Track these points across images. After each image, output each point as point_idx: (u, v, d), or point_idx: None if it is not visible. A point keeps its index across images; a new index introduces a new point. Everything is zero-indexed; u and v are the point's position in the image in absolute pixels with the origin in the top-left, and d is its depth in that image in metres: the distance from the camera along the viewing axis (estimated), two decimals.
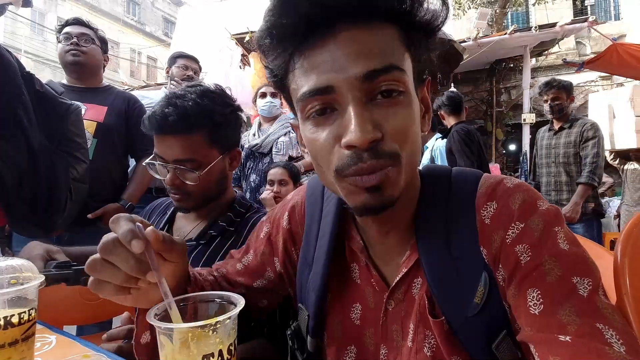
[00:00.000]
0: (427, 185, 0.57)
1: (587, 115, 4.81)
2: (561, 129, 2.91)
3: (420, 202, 0.56)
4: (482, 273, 0.49)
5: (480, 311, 0.49)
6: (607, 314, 0.42)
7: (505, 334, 0.48)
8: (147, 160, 0.96)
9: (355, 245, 0.61)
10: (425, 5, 0.47)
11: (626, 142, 4.41)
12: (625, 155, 4.53)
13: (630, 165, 4.36)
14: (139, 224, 0.47)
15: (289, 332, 0.67)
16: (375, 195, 0.47)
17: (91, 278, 0.46)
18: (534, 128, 4.89)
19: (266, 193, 2.25)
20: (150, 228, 0.47)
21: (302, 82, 0.47)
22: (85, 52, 1.83)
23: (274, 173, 2.30)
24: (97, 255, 0.46)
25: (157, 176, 0.97)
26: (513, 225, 0.49)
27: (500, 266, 0.49)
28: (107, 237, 0.46)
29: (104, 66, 1.97)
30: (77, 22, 1.87)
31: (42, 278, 0.60)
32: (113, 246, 0.45)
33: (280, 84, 0.52)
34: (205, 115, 0.92)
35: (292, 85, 0.50)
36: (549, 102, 2.88)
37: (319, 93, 0.46)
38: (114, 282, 0.46)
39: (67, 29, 1.83)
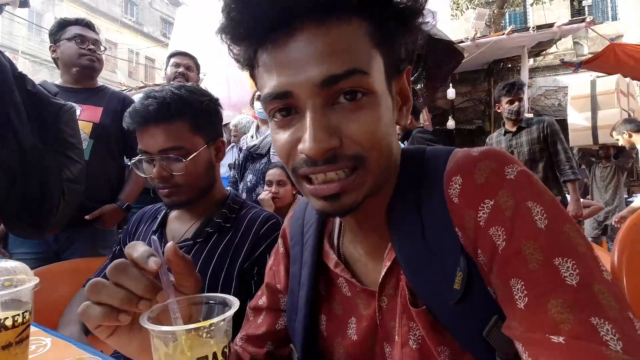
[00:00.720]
0: (403, 172, 0.54)
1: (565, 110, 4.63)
2: (520, 129, 3.01)
3: (394, 189, 0.54)
4: (460, 258, 0.46)
5: (463, 298, 0.45)
6: (602, 300, 0.38)
7: (497, 319, 0.45)
8: (132, 160, 0.95)
9: (330, 262, 0.59)
10: None
11: (610, 137, 4.09)
12: (593, 154, 4.39)
13: (599, 164, 4.23)
14: (154, 237, 0.48)
15: None
16: (332, 203, 0.46)
17: (82, 305, 0.45)
18: None
19: (264, 194, 2.24)
20: (170, 243, 0.48)
21: (264, 82, 0.46)
22: (100, 60, 1.88)
23: (272, 174, 2.29)
24: (98, 279, 0.45)
25: (143, 174, 0.96)
26: (482, 204, 0.45)
27: (479, 251, 0.46)
28: (117, 261, 0.46)
29: None
30: (89, 25, 1.87)
31: (36, 280, 0.60)
32: (126, 267, 0.45)
33: (251, 75, 0.51)
34: (184, 103, 0.94)
35: (258, 82, 0.49)
36: (515, 102, 2.94)
37: (278, 97, 0.45)
38: (112, 304, 0.44)
39: (78, 30, 1.81)
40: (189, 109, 0.94)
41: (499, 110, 3.13)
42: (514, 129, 3.04)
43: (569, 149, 2.90)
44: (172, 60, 2.54)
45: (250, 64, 0.48)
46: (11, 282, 0.59)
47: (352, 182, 0.45)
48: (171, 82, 2.47)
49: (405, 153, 0.56)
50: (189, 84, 1.02)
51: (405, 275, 0.50)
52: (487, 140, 3.35)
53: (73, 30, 1.81)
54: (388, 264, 0.53)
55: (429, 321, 0.48)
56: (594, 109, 4.60)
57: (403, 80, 0.53)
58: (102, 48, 1.90)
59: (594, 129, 4.46)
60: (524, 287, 0.41)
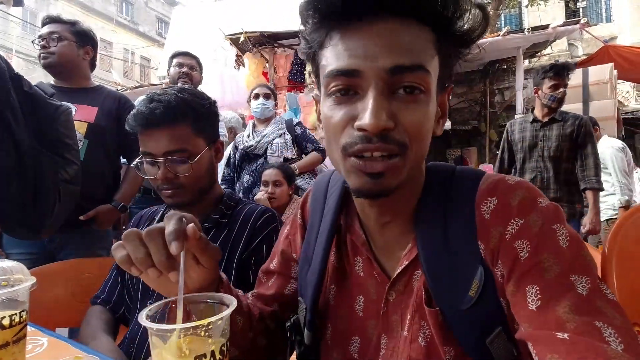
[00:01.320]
0: (431, 180, 0.59)
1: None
2: (553, 120, 2.60)
3: (422, 196, 0.58)
4: (479, 268, 0.50)
5: (475, 305, 0.50)
6: (607, 312, 0.42)
7: (500, 330, 0.49)
8: (134, 162, 0.97)
9: (358, 239, 0.63)
10: (465, 16, 0.49)
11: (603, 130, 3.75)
12: None
13: None
14: (184, 219, 0.51)
15: (288, 325, 0.70)
16: (375, 181, 0.49)
17: (116, 243, 0.51)
18: None
19: (260, 194, 2.25)
20: (191, 225, 0.50)
21: (332, 61, 0.50)
22: (54, 52, 1.75)
23: (269, 174, 2.30)
24: (137, 231, 0.50)
25: (146, 176, 0.97)
26: (513, 221, 0.50)
27: (499, 262, 0.50)
28: (156, 225, 0.51)
29: (92, 61, 1.91)
30: (49, 20, 1.81)
31: (33, 280, 0.60)
32: (156, 236, 0.49)
33: (312, 56, 0.55)
34: (188, 106, 0.96)
35: (322, 62, 0.52)
36: (561, 88, 2.53)
37: (346, 74, 0.48)
38: (131, 255, 0.50)
39: (41, 31, 1.78)
40: (192, 112, 0.96)
41: (535, 95, 2.66)
42: (546, 119, 2.61)
43: (598, 156, 2.57)
44: (175, 60, 2.52)
45: (319, 43, 0.52)
46: (8, 282, 0.59)
47: (394, 165, 0.49)
48: (177, 83, 2.44)
49: (435, 165, 0.61)
50: (188, 86, 1.04)
51: (425, 275, 0.53)
52: (508, 126, 2.86)
53: (39, 32, 1.77)
54: (405, 262, 0.56)
55: (439, 322, 0.52)
56: (586, 100, 4.35)
57: (445, 96, 0.57)
58: (59, 36, 1.75)
59: None
60: (538, 292, 0.45)
